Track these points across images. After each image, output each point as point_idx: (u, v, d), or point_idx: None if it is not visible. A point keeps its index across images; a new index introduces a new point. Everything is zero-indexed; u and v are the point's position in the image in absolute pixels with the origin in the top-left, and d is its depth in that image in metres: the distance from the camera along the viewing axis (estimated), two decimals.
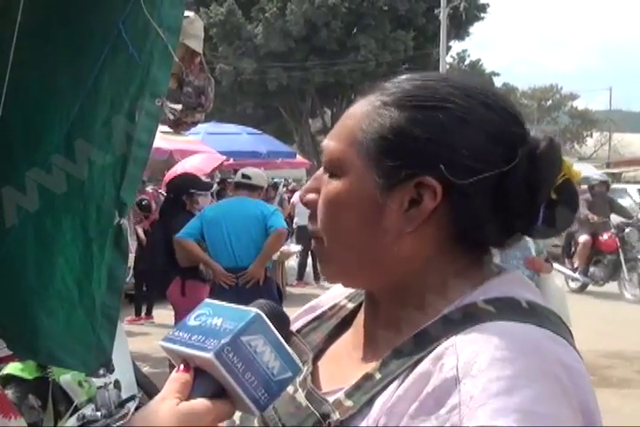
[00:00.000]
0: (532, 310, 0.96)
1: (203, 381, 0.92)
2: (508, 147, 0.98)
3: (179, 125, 5.60)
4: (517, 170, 0.97)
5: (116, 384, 4.85)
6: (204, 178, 9.29)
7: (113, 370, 4.94)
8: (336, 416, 0.96)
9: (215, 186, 9.75)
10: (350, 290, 1.21)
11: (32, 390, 4.38)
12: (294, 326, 1.21)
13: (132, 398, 4.81)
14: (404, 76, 1.05)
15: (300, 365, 0.97)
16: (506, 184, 0.97)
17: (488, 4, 39.50)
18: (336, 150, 1.03)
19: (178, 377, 0.92)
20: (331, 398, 0.99)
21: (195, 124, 5.53)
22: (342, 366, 1.07)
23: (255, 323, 0.93)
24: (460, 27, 36.66)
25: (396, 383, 0.93)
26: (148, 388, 5.51)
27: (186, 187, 6.87)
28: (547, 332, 0.92)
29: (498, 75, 51.49)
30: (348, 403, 0.96)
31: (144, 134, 2.30)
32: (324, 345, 1.15)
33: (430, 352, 0.91)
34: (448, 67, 35.29)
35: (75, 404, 4.33)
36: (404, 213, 0.98)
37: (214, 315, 0.95)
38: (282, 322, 0.99)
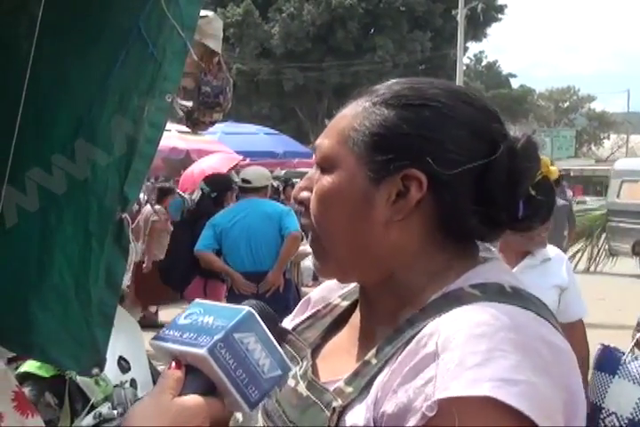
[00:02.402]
0: (516, 294, 1.00)
1: (194, 378, 0.93)
2: (489, 142, 1.04)
3: (196, 125, 5.61)
4: (498, 163, 1.03)
5: (133, 383, 4.85)
6: None
7: (129, 368, 4.95)
8: (338, 402, 0.98)
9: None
10: (344, 289, 1.26)
11: (49, 388, 4.39)
12: (289, 325, 1.27)
13: None
14: (393, 80, 1.13)
15: (290, 364, 0.99)
16: (487, 177, 1.03)
17: (506, 5, 39.52)
18: (328, 148, 1.09)
19: (170, 374, 0.93)
20: (331, 388, 1.03)
21: (212, 123, 5.53)
22: (340, 361, 1.10)
23: (247, 321, 0.94)
24: (477, 28, 36.58)
25: (389, 365, 0.96)
26: None
27: (229, 182, 6.93)
28: (530, 313, 0.96)
29: (515, 76, 51.40)
30: (349, 389, 0.99)
31: (152, 130, 2.28)
32: (320, 341, 1.19)
33: (419, 332, 0.95)
34: (465, 68, 35.18)
35: (91, 402, 4.33)
36: (392, 205, 1.04)
37: (205, 313, 0.97)
38: (272, 322, 1.01)
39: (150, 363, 5.45)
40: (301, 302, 1.34)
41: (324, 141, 1.10)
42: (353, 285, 1.23)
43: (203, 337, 0.92)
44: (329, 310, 1.25)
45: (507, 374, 0.86)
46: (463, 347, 0.88)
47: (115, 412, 4.40)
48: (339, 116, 1.12)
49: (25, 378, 4.33)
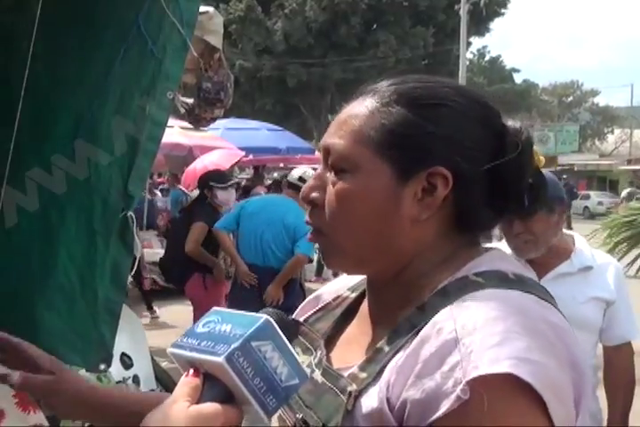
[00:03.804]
0: (518, 280, 1.05)
1: (212, 386, 0.94)
2: (498, 137, 1.10)
3: (198, 121, 5.60)
4: (512, 158, 1.09)
5: (135, 379, 4.85)
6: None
7: (132, 365, 4.95)
8: (353, 387, 1.02)
9: (244, 181, 9.74)
10: (352, 282, 1.31)
11: None
12: (301, 317, 1.31)
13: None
14: (396, 79, 1.15)
15: (307, 372, 1.00)
16: (502, 171, 1.08)
17: (508, 0, 39.32)
18: (346, 148, 1.09)
19: (188, 382, 0.94)
20: (345, 374, 1.06)
21: (214, 120, 5.52)
22: (352, 349, 1.13)
23: (265, 329, 0.95)
24: (480, 23, 36.52)
25: (402, 350, 0.99)
26: (166, 383, 5.51)
27: (207, 181, 6.85)
28: (532, 296, 1.01)
29: (518, 71, 51.32)
30: (363, 375, 1.03)
31: (154, 127, 2.29)
32: (332, 332, 1.23)
33: (430, 318, 0.98)
34: (468, 63, 35.10)
35: None
36: (419, 202, 1.07)
37: (223, 322, 0.97)
38: (289, 330, 1.02)
39: (153, 359, 5.45)
40: (309, 298, 1.38)
41: (338, 142, 1.10)
42: (361, 277, 1.26)
43: (220, 345, 0.93)
44: (339, 302, 1.29)
45: (522, 353, 0.90)
46: (481, 331, 0.92)
47: None
48: (347, 115, 1.13)
49: None
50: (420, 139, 1.06)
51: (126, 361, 4.93)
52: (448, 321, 0.96)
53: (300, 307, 1.37)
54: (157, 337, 7.52)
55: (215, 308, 1.03)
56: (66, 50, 2.31)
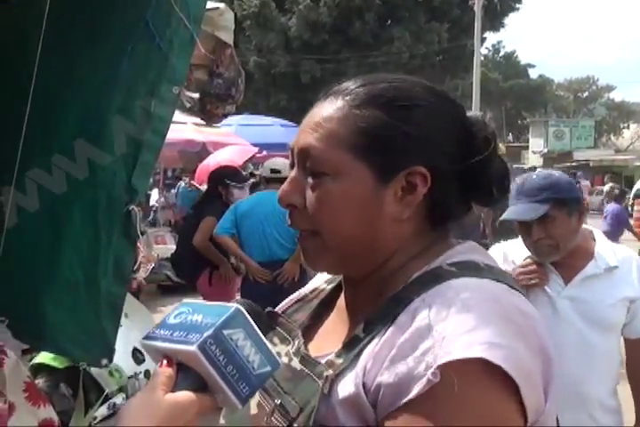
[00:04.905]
0: (489, 270, 1.09)
1: (185, 375, 0.95)
2: (467, 132, 1.13)
3: (210, 117, 5.61)
4: (482, 151, 1.13)
5: (147, 374, 4.87)
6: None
7: (144, 360, 4.97)
8: (329, 372, 1.05)
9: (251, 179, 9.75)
10: (329, 275, 1.34)
11: (63, 378, 4.41)
12: (278, 309, 1.34)
13: None
14: (365, 79, 1.17)
15: (279, 360, 1.01)
16: (473, 164, 1.12)
17: None
18: (324, 153, 1.10)
19: (162, 371, 0.96)
20: (323, 361, 1.09)
21: (225, 115, 5.54)
22: (329, 339, 1.17)
23: (236, 317, 0.96)
24: (494, 18, 36.30)
25: (377, 337, 1.02)
26: None
27: (222, 178, 6.86)
28: (503, 285, 1.05)
29: (533, 66, 51.08)
30: (339, 361, 1.06)
31: (159, 122, 2.29)
32: (309, 322, 1.26)
33: (406, 306, 1.02)
34: (482, 58, 34.97)
35: (105, 393, 4.35)
36: (400, 201, 1.10)
37: (194, 312, 0.99)
38: (262, 320, 1.05)
39: None
40: (294, 295, 1.39)
41: (315, 145, 1.12)
42: None
43: (192, 334, 0.94)
44: (316, 294, 1.33)
45: (494, 338, 0.93)
46: (453, 317, 0.96)
47: None
48: (320, 117, 1.14)
49: (39, 369, 4.35)
50: (398, 140, 1.08)
51: (138, 356, 4.95)
52: (423, 308, 0.99)
53: (282, 302, 1.39)
54: None
55: (185, 300, 1.04)
56: (74, 47, 2.31)
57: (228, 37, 5.30)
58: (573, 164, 35.26)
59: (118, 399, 4.38)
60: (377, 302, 1.09)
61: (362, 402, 0.99)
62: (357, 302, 1.17)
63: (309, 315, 1.28)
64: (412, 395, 0.93)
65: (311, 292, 1.35)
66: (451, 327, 0.95)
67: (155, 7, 2.22)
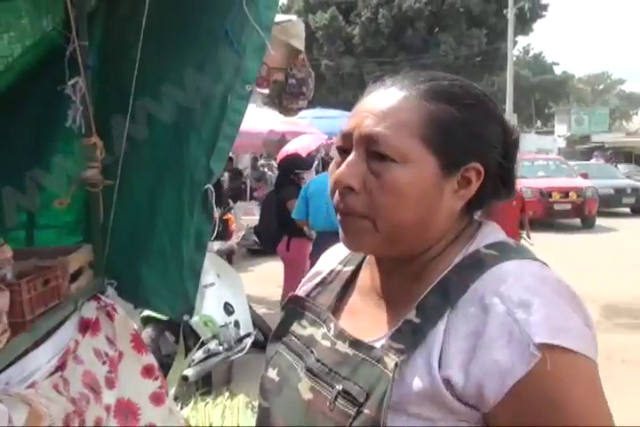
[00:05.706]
0: (519, 248, 0.99)
1: None
2: (508, 134, 1.02)
3: (287, 111, 5.57)
4: (516, 152, 1.04)
5: (236, 324, 4.87)
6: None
7: (233, 311, 4.97)
8: (394, 358, 0.91)
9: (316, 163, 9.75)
10: (341, 256, 1.18)
11: (167, 328, 4.44)
12: (301, 293, 1.18)
13: (248, 335, 4.84)
14: (421, 75, 1.03)
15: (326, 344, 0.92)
16: (509, 165, 1.02)
17: (549, 4, 38.05)
18: (395, 140, 0.94)
19: None
20: (378, 345, 0.95)
21: (299, 109, 5.50)
22: (367, 321, 1.02)
23: None
24: (525, 24, 35.40)
25: (442, 324, 0.90)
26: (262, 327, 5.52)
27: (292, 168, 6.82)
28: (539, 263, 0.96)
29: (557, 64, 49.67)
30: (398, 346, 0.92)
31: (234, 114, 2.26)
32: (335, 305, 1.11)
33: (463, 294, 0.91)
34: (515, 59, 34.25)
35: (201, 340, 4.36)
36: (455, 194, 0.98)
37: None
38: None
39: (250, 307, 5.46)
40: (308, 276, 1.24)
41: (386, 132, 0.94)
42: (347, 251, 1.14)
43: None
44: (334, 276, 1.17)
45: (565, 322, 0.86)
46: (528, 303, 0.86)
47: (220, 348, 4.43)
48: (386, 107, 0.97)
49: (148, 320, 4.38)
50: (464, 136, 0.96)
51: (229, 309, 4.95)
52: (491, 296, 0.88)
53: (301, 283, 1.23)
54: (256, 288, 7.56)
55: None
56: (168, 53, 2.28)
57: (299, 44, 5.22)
58: (592, 145, 34.57)
59: (212, 345, 4.38)
60: (416, 286, 0.97)
61: (440, 393, 0.87)
62: (391, 285, 1.03)
63: (334, 297, 1.12)
64: (520, 376, 0.83)
65: (329, 274, 1.18)
66: (530, 314, 0.85)
67: (233, 17, 2.20)
